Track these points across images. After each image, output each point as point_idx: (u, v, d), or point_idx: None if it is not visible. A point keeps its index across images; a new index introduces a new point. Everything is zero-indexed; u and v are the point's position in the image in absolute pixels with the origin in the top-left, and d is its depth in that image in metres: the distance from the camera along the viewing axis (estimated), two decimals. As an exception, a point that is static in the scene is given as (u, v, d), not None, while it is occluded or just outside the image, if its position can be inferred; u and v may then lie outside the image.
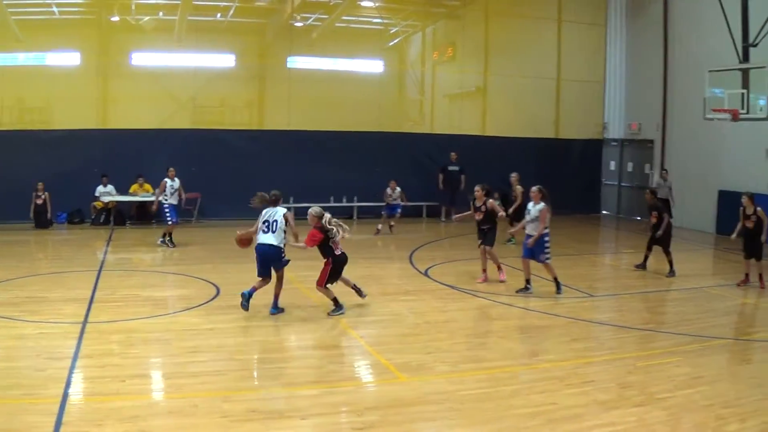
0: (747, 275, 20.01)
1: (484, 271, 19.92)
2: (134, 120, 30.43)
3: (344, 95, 33.94)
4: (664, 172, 30.25)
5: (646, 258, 23.02)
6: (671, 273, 22.24)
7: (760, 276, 19.67)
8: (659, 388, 11.41)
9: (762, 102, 23.20)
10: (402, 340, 13.97)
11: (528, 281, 18.46)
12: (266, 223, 16.58)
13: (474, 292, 18.40)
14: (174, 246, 24.98)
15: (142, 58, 32.13)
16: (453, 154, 32.21)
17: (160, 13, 33.04)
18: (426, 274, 20.79)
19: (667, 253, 22.39)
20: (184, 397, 10.40)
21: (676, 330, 15.34)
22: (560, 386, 11.42)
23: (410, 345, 13.63)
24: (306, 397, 10.57)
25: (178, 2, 31.83)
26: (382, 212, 28.92)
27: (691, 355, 13.40)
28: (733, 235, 19.96)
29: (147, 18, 32.58)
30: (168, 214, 25.05)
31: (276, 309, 15.83)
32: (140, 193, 29.63)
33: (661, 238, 22.31)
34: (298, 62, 34.65)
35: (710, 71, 25.62)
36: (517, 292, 18.28)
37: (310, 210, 16.34)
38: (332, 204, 31.74)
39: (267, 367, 12.33)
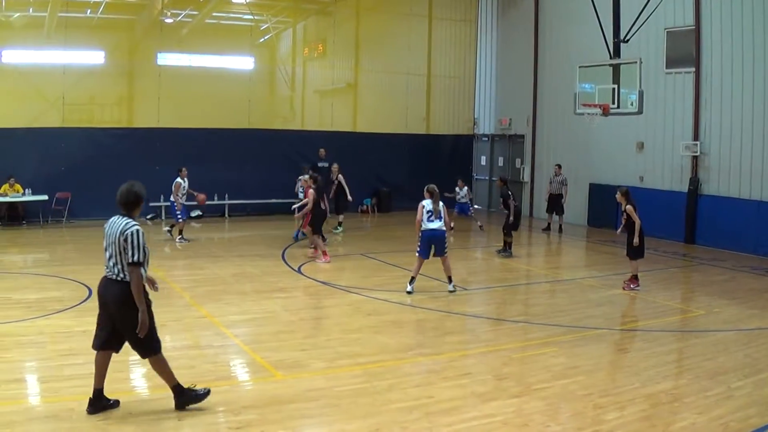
0: (632, 275, 19.84)
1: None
2: (3, 119, 29.78)
3: (215, 92, 33.81)
4: (556, 167, 30.76)
5: (505, 243, 23.70)
6: (507, 253, 23.00)
7: (632, 277, 19.77)
8: (536, 379, 11.81)
9: (633, 97, 23.78)
10: (277, 338, 14.11)
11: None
12: (432, 213, 17.98)
13: (347, 288, 18.63)
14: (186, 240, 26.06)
15: (11, 56, 31.58)
16: (322, 151, 32.33)
17: (30, 10, 32.53)
18: (299, 270, 20.99)
19: (509, 235, 23.20)
20: (61, 401, 10.37)
21: (551, 321, 15.82)
22: (437, 379, 11.72)
23: (285, 342, 13.77)
24: (182, 398, 10.62)
25: (49, -2, 31.38)
26: (454, 210, 28.52)
27: (566, 345, 13.87)
28: (618, 230, 20.36)
29: (17, 14, 32.07)
30: (179, 213, 26.08)
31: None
32: (11, 194, 29.11)
33: (507, 223, 23.19)
34: (168, 59, 34.38)
35: (581, 67, 26.15)
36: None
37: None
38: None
39: (142, 369, 12.19)
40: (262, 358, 12.73)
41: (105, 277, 9.88)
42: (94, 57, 33.40)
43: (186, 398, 10.15)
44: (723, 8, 26.89)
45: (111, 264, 9.76)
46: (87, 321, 14.60)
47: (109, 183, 27.32)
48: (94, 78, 32.79)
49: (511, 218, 23.86)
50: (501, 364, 12.64)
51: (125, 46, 34.82)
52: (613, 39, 24.60)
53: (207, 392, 10.32)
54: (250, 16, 36.91)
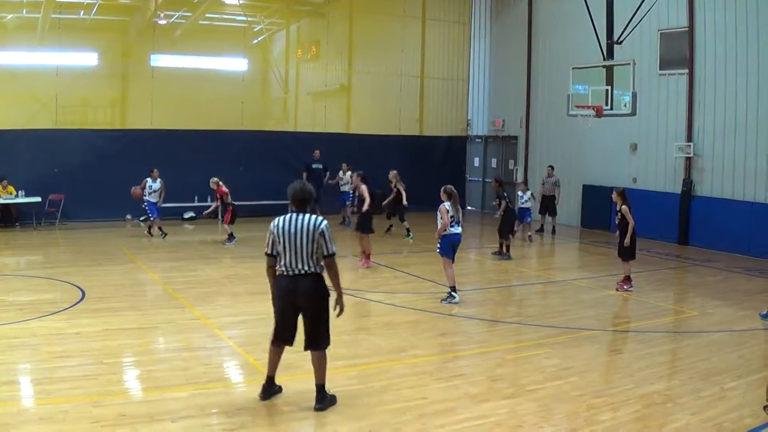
0: (625, 276, 19.74)
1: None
2: (-4, 120, 29.88)
3: (208, 93, 33.67)
4: (549, 168, 30.70)
5: (501, 245, 23.73)
6: (505, 256, 23.04)
7: (625, 278, 19.69)
8: (529, 380, 11.81)
9: (626, 98, 23.81)
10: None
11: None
12: (456, 217, 17.69)
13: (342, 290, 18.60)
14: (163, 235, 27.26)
15: (4, 57, 31.51)
16: (316, 152, 32.33)
17: (23, 11, 32.51)
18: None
19: (506, 238, 23.21)
20: (53, 403, 10.33)
21: (544, 322, 15.83)
22: (430, 381, 11.72)
23: (278, 345, 13.80)
24: (176, 400, 10.61)
25: (42, 0, 31.32)
26: (521, 218, 27.88)
27: (559, 346, 13.86)
28: (616, 233, 20.24)
29: (10, 16, 32.05)
30: (148, 210, 26.94)
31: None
32: (3, 196, 29.06)
33: (503, 224, 23.24)
34: (161, 60, 34.27)
35: (574, 68, 26.18)
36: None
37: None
38: (196, 203, 31.72)
39: (136, 371, 12.31)
40: (256, 359, 12.66)
41: (287, 275, 10.14)
42: (87, 58, 33.30)
43: (329, 401, 10.46)
44: (717, 10, 26.92)
45: (302, 259, 10.05)
46: (80, 323, 14.75)
47: (102, 185, 27.72)
48: (87, 79, 32.68)
49: (503, 215, 23.90)
50: (494, 365, 12.64)
51: (118, 48, 34.72)
52: (607, 40, 24.63)
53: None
54: (244, 18, 36.83)
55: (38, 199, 29.03)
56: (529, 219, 27.82)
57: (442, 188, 18.08)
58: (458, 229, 17.85)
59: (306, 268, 10.02)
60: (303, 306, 10.13)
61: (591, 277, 21.51)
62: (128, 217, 31.26)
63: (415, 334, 14.91)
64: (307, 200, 10.28)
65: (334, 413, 10.19)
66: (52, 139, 30.30)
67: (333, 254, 10.15)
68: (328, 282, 10.32)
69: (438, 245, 18.09)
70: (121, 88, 34.64)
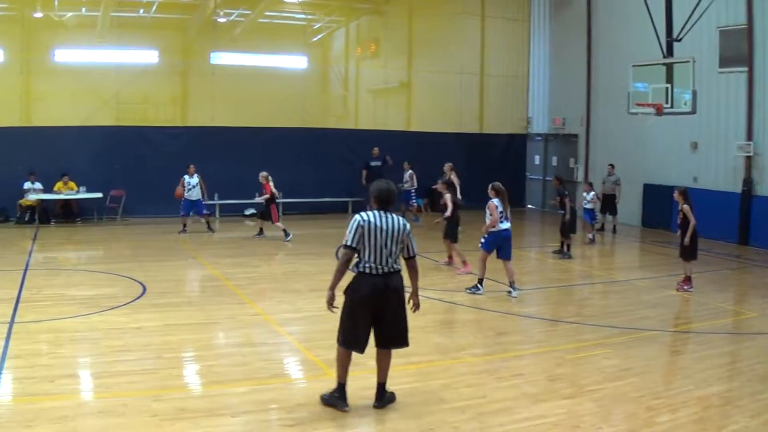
0: (686, 277, 19.34)
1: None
2: (58, 117, 30.03)
3: (268, 91, 33.77)
4: (609, 167, 30.31)
5: (562, 244, 23.47)
6: (565, 255, 22.78)
7: (685, 278, 19.33)
8: (589, 380, 11.60)
9: (686, 96, 23.49)
10: (330, 336, 13.72)
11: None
12: (504, 213, 17.80)
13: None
14: (181, 233, 26.93)
15: (65, 55, 31.76)
16: (375, 150, 32.26)
17: (83, 9, 32.69)
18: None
19: (567, 237, 22.97)
20: (113, 397, 10.34)
21: (604, 322, 15.56)
22: (489, 380, 11.54)
23: (337, 341, 13.71)
24: (235, 395, 10.57)
25: (101, -2, 31.53)
26: (585, 218, 27.62)
27: (619, 347, 13.59)
28: (678, 232, 19.86)
29: (70, 14, 32.28)
30: (182, 208, 27.17)
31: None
32: (65, 191, 29.34)
33: (564, 223, 22.98)
34: (221, 58, 34.50)
35: (634, 66, 25.89)
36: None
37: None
38: (257, 200, 31.75)
39: (196, 366, 12.33)
40: (316, 356, 12.62)
41: (375, 273, 9.92)
42: (148, 56, 33.52)
43: (388, 398, 10.34)
44: (776, 7, 26.46)
45: (390, 258, 9.95)
46: (141, 318, 14.78)
47: (163, 181, 27.80)
48: (147, 77, 32.92)
49: (567, 216, 23.62)
50: (554, 365, 12.44)
51: (178, 46, 34.93)
52: (666, 38, 24.32)
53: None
54: (303, 16, 36.89)
55: (100, 195, 29.26)
56: (592, 221, 27.42)
57: (490, 185, 18.13)
58: (507, 225, 17.87)
59: (394, 266, 9.92)
60: (390, 304, 9.97)
61: (651, 277, 21.18)
62: (190, 213, 31.40)
63: (474, 333, 14.77)
64: (392, 200, 10.09)
65: (393, 411, 10.07)
66: (113, 135, 30.65)
67: (415, 255, 10.14)
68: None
69: (482, 239, 18.09)
70: (182, 86, 34.84)
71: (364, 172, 31.62)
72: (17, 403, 10.18)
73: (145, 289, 17.65)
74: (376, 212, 9.91)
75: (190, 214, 27.51)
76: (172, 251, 23.86)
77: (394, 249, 9.85)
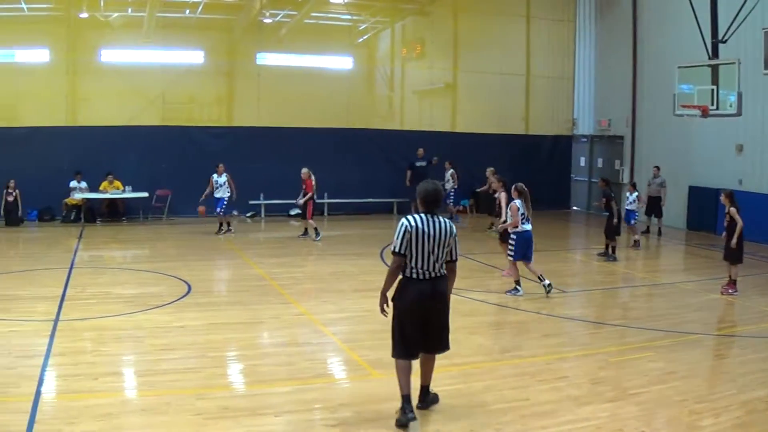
0: (730, 280, 18.98)
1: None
2: (103, 117, 30.26)
3: (313, 91, 33.80)
4: (655, 168, 29.96)
5: (607, 246, 23.26)
6: (611, 257, 22.56)
7: (730, 281, 19.13)
8: (632, 384, 11.42)
9: (732, 98, 23.25)
10: (374, 337, 13.87)
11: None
12: (526, 214, 17.86)
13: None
14: (226, 230, 27.13)
15: (110, 55, 31.96)
16: (420, 150, 32.20)
17: (129, 10, 32.90)
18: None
19: (612, 239, 22.74)
20: (156, 395, 10.35)
21: (649, 325, 15.37)
22: (532, 382, 11.42)
23: (383, 341, 13.45)
24: (279, 394, 10.56)
25: (147, -2, 31.69)
26: (626, 220, 26.53)
27: (663, 350, 13.40)
28: (723, 234, 19.58)
29: (116, 15, 32.49)
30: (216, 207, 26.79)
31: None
32: (110, 190, 29.52)
33: (609, 225, 22.77)
34: (267, 59, 34.58)
35: (679, 67, 25.67)
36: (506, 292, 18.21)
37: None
38: (300, 202, 31.78)
39: (239, 365, 12.35)
40: (359, 356, 12.58)
41: (423, 278, 9.65)
42: (193, 57, 33.65)
43: (431, 399, 10.21)
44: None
45: (437, 262, 9.66)
46: (185, 317, 14.82)
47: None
48: (193, 77, 33.06)
49: (615, 219, 23.38)
50: (597, 367, 12.28)
51: (224, 46, 35.04)
52: (711, 39, 24.09)
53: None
54: (349, 16, 36.91)
55: (145, 194, 29.43)
56: (633, 222, 27.06)
57: (513, 186, 18.16)
58: (528, 227, 17.86)
59: (441, 270, 9.67)
60: (437, 309, 9.76)
61: (696, 280, 20.92)
62: (234, 213, 31.47)
63: (519, 335, 14.67)
64: (439, 202, 9.83)
65: (436, 412, 9.97)
66: (158, 135, 30.85)
67: (457, 259, 9.85)
68: None
69: (511, 249, 18.04)
70: (228, 86, 34.97)
71: (409, 173, 31.58)
72: (61, 400, 10.19)
73: (190, 288, 17.70)
74: (422, 216, 9.64)
75: (217, 211, 27.27)
76: (217, 251, 23.95)
77: (441, 254, 9.60)
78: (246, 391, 10.97)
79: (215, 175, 26.83)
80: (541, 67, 38.35)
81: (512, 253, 17.95)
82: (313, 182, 25.73)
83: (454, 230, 9.71)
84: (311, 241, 25.71)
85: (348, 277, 20.00)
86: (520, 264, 17.99)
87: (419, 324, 9.65)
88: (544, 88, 38.54)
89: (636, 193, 26.32)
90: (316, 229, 25.84)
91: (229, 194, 26.96)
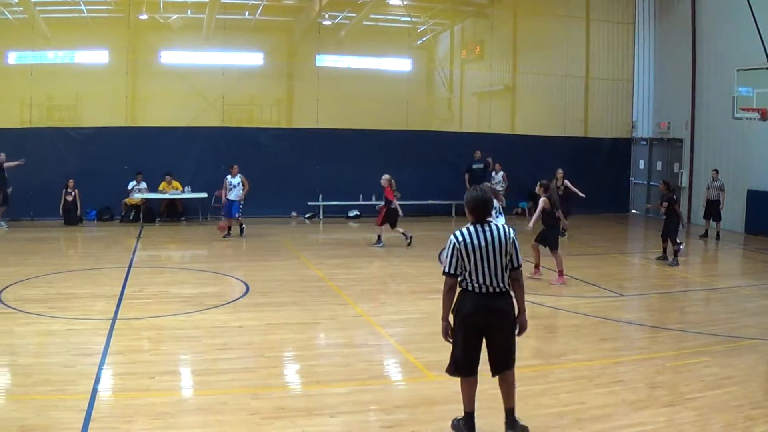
0: None
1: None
2: (163, 118, 30.64)
3: (373, 93, 33.94)
4: (714, 172, 29.61)
5: (664, 250, 22.99)
6: (673, 262, 22.28)
7: None
8: (688, 389, 11.26)
9: (791, 102, 23.02)
10: (431, 339, 13.75)
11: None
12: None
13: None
14: (227, 236, 26.12)
15: (170, 57, 32.34)
16: (477, 153, 32.11)
17: (189, 12, 33.22)
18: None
19: (673, 242, 22.44)
20: (213, 394, 10.39)
21: (706, 330, 15.14)
22: (589, 386, 11.31)
23: (439, 343, 13.38)
24: (335, 395, 10.52)
25: (206, 0, 31.93)
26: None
27: (720, 355, 13.19)
28: None
29: (175, 16, 32.82)
30: (234, 211, 26.27)
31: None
32: (169, 191, 29.73)
33: (668, 227, 22.46)
34: (326, 60, 34.71)
35: (738, 70, 25.42)
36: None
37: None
38: (361, 202, 31.79)
39: (296, 365, 12.35)
40: (416, 358, 12.49)
41: (480, 292, 8.99)
42: (253, 58, 33.90)
43: (521, 429, 9.36)
44: None
45: (497, 275, 8.94)
46: (243, 317, 14.86)
47: (267, 182, 27.98)
48: (252, 79, 33.36)
49: (682, 225, 23.11)
50: (654, 372, 12.11)
51: (284, 48, 35.29)
52: (771, 42, 23.82)
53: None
54: (408, 18, 36.93)
55: (204, 194, 29.50)
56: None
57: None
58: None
59: (502, 284, 8.97)
60: (496, 326, 9.06)
61: (754, 285, 20.58)
62: (293, 214, 31.57)
63: (576, 338, 14.50)
64: (489, 209, 9.17)
65: (491, 414, 9.74)
66: (218, 136, 31.08)
67: (520, 266, 9.10)
68: None
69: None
70: (287, 88, 35.19)
71: (467, 175, 31.46)
72: (117, 398, 10.26)
73: (248, 288, 17.74)
74: (472, 228, 9.00)
75: (227, 216, 26.67)
76: (275, 251, 23.98)
77: (498, 264, 8.93)
78: (302, 392, 10.94)
79: (229, 177, 26.37)
80: (600, 69, 38.06)
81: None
82: (393, 190, 25.11)
83: (512, 235, 9.04)
84: (372, 246, 25.31)
85: (406, 279, 19.92)
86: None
87: (475, 342, 9.13)
88: (603, 90, 38.25)
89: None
90: (379, 236, 25.34)
91: (242, 196, 26.42)
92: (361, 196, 32.19)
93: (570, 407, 10.31)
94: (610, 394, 10.92)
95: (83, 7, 31.87)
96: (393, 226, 24.75)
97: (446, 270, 8.97)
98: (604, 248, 25.91)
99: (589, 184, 26.56)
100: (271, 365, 11.96)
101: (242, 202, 26.31)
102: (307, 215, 31.95)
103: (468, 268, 8.88)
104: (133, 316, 14.77)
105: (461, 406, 9.39)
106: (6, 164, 27.83)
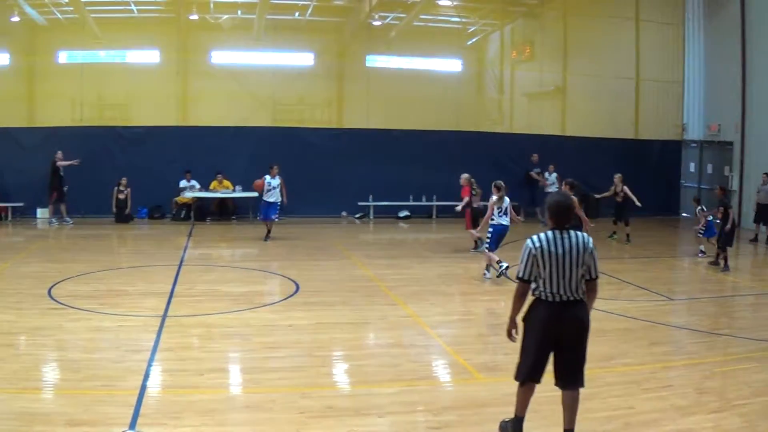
0: None
1: None
2: (214, 117, 30.93)
3: (423, 94, 33.97)
4: (765, 175, 29.24)
5: (717, 255, 22.76)
6: (726, 268, 22.03)
7: None
8: (736, 395, 11.12)
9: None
10: (480, 340, 13.82)
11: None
12: (503, 209, 19.56)
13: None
14: (266, 240, 25.45)
15: (221, 57, 32.53)
16: (534, 156, 32.05)
17: (239, 12, 33.40)
18: (504, 274, 20.58)
19: (724, 249, 22.22)
20: (261, 392, 10.40)
21: (755, 335, 14.95)
22: (637, 390, 11.20)
23: (488, 345, 13.49)
24: (383, 395, 10.50)
25: (257, 1, 32.08)
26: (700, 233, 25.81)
27: (768, 361, 13.11)
28: None
29: (226, 17, 33.01)
30: (261, 212, 25.98)
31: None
32: (220, 190, 29.91)
33: (724, 234, 22.21)
34: (376, 61, 34.74)
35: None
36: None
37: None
38: (411, 203, 31.77)
39: (345, 364, 12.35)
40: (464, 359, 12.39)
41: (552, 301, 8.75)
42: (304, 58, 34.01)
43: None
44: None
45: (571, 284, 8.66)
46: (292, 315, 14.89)
47: (318, 182, 28.04)
48: (303, 79, 33.51)
49: (728, 227, 22.83)
50: (702, 377, 11.95)
51: (334, 48, 35.32)
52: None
53: None
54: (458, 19, 36.83)
55: (255, 194, 29.55)
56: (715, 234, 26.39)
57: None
58: (503, 221, 19.63)
59: (576, 294, 8.72)
60: (568, 337, 8.83)
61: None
62: (344, 213, 31.63)
63: (625, 342, 14.37)
64: (570, 216, 8.92)
65: (539, 417, 9.72)
66: (269, 136, 31.26)
67: (597, 277, 8.83)
68: None
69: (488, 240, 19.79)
70: (337, 88, 35.26)
71: (526, 179, 31.47)
72: (166, 395, 10.31)
73: (298, 287, 17.78)
74: (550, 234, 8.74)
75: (265, 218, 25.96)
76: (325, 251, 23.99)
77: (574, 274, 8.67)
78: (350, 391, 10.94)
79: (268, 177, 25.47)
80: (650, 70, 37.77)
81: (488, 244, 19.60)
82: (473, 188, 24.57)
83: (591, 245, 8.76)
84: (474, 252, 24.41)
85: (456, 280, 19.92)
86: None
87: (546, 350, 8.91)
88: (653, 92, 37.96)
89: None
90: (477, 240, 24.19)
91: (280, 199, 25.67)
92: (411, 197, 32.20)
93: (618, 411, 10.23)
94: (658, 398, 10.82)
95: (133, 7, 32.12)
96: (475, 226, 24.11)
97: (519, 275, 8.77)
98: (655, 252, 25.70)
99: (639, 186, 26.33)
100: (320, 364, 11.97)
101: (280, 204, 25.88)
102: (357, 215, 32.00)
103: (542, 275, 8.65)
104: (184, 313, 14.89)
105: (510, 408, 9.32)
106: (61, 163, 28.17)
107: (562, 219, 8.70)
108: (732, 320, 17.02)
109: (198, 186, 30.34)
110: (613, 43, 37.30)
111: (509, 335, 9.12)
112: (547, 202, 8.84)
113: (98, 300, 15.87)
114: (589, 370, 11.50)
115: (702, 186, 36.39)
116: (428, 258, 23.37)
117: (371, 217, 32.52)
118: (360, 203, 32.18)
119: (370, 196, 31.81)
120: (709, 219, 25.04)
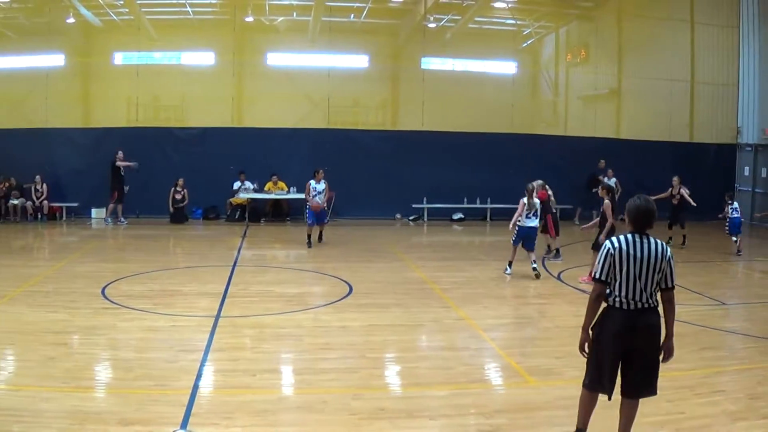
0: None
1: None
2: (269, 119, 31.10)
3: (477, 96, 33.97)
4: None
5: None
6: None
7: None
8: (788, 400, 11.03)
9: None
10: (533, 344, 13.78)
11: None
12: (532, 211, 20.35)
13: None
14: (309, 246, 24.72)
15: (276, 58, 32.72)
16: (601, 162, 31.89)
17: (294, 14, 33.49)
18: (559, 278, 20.43)
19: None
20: (313, 393, 10.41)
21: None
22: (689, 395, 11.07)
23: (540, 349, 13.42)
24: (435, 398, 10.48)
25: (312, 3, 32.28)
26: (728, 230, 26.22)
27: (820, 366, 12.93)
28: None
29: (281, 19, 33.22)
30: (308, 216, 25.25)
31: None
32: (275, 191, 30.07)
33: None
34: (431, 63, 34.71)
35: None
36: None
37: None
38: (466, 205, 31.73)
39: (397, 367, 12.33)
40: (517, 363, 12.34)
41: (625, 308, 8.55)
42: (358, 61, 34.09)
43: None
44: None
45: (646, 291, 8.52)
46: (345, 317, 14.91)
47: (372, 184, 28.08)
48: (358, 81, 33.63)
49: None
50: (755, 383, 11.80)
51: (389, 51, 35.37)
52: None
53: None
54: (513, 21, 36.73)
55: (310, 195, 29.82)
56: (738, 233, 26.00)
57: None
58: (532, 222, 20.40)
59: (650, 301, 8.55)
60: (640, 345, 8.62)
61: None
62: (398, 216, 31.64)
63: (677, 347, 14.07)
64: (651, 221, 8.62)
65: (591, 422, 9.62)
66: (323, 137, 31.47)
67: (674, 287, 8.63)
68: None
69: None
70: (392, 90, 35.31)
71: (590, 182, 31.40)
72: (218, 395, 10.38)
73: (351, 288, 17.80)
74: (629, 236, 8.56)
75: (319, 222, 25.34)
76: (379, 253, 23.98)
77: (651, 280, 8.49)
78: (402, 393, 10.91)
79: (313, 181, 24.74)
80: (705, 73, 37.48)
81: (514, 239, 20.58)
82: (549, 194, 23.55)
83: (669, 252, 8.56)
84: (553, 260, 23.80)
85: (509, 283, 19.82)
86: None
87: (617, 359, 8.67)
88: (708, 94, 37.66)
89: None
90: (557, 249, 23.90)
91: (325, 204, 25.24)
92: (465, 199, 32.17)
93: (670, 416, 10.13)
94: (710, 404, 10.72)
95: (189, 9, 32.38)
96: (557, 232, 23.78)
97: (596, 275, 8.60)
98: (708, 256, 25.46)
99: (694, 191, 26.14)
100: (372, 366, 11.97)
101: (326, 208, 25.60)
102: (411, 217, 32.00)
103: (618, 278, 8.48)
104: (237, 314, 14.96)
105: (561, 413, 9.36)
106: (120, 163, 28.44)
107: (642, 223, 8.52)
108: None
109: (252, 187, 30.46)
110: (668, 45, 37.01)
111: (581, 349, 8.83)
112: (627, 206, 8.64)
113: (152, 300, 16.01)
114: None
115: (756, 190, 36.02)
116: (482, 261, 23.29)
117: (425, 219, 32.56)
118: (414, 205, 32.22)
119: (424, 199, 31.85)
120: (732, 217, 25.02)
